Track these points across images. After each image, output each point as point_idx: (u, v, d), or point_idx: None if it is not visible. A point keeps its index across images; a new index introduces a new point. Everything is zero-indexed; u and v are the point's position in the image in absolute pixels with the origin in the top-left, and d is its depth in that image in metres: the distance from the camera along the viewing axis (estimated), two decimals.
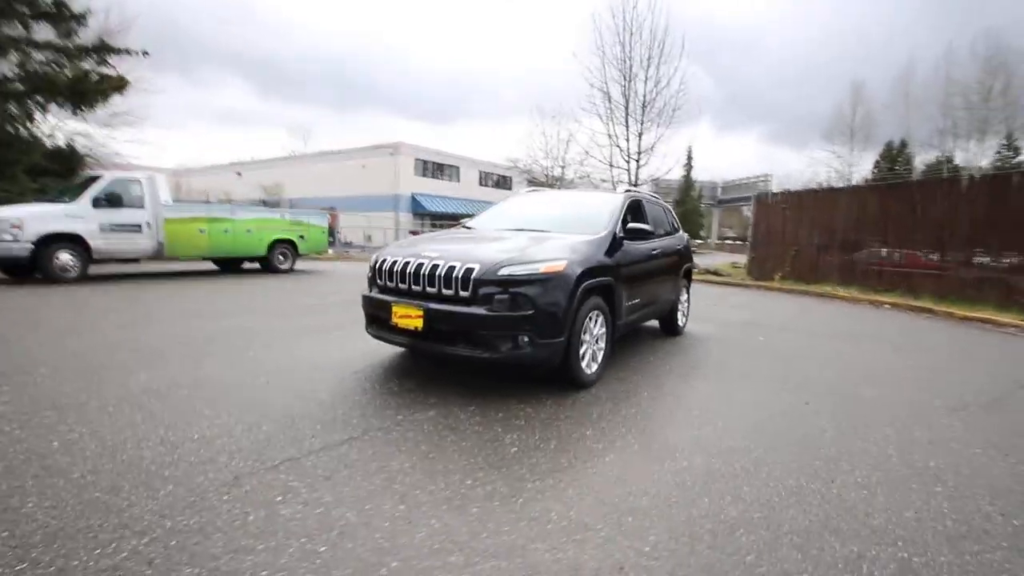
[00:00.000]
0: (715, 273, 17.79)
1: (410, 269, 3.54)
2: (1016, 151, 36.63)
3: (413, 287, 3.53)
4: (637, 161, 20.37)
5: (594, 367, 3.82)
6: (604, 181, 22.44)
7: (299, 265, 13.02)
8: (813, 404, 3.69)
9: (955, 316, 9.12)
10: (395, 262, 3.67)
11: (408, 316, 3.45)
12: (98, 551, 1.71)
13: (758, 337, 6.29)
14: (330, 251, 16.60)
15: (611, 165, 21.04)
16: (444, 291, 3.39)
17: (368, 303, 3.88)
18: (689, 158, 21.72)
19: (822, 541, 1.96)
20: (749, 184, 59.63)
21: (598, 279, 3.77)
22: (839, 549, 1.91)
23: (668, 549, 1.87)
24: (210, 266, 12.32)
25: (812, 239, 14.28)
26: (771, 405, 3.63)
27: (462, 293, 3.33)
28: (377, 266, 3.80)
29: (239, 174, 36.16)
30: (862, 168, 45.63)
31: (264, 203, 27.20)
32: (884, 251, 12.81)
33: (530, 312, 3.26)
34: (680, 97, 19.17)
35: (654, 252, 4.96)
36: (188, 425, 2.79)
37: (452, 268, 3.37)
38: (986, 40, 34.95)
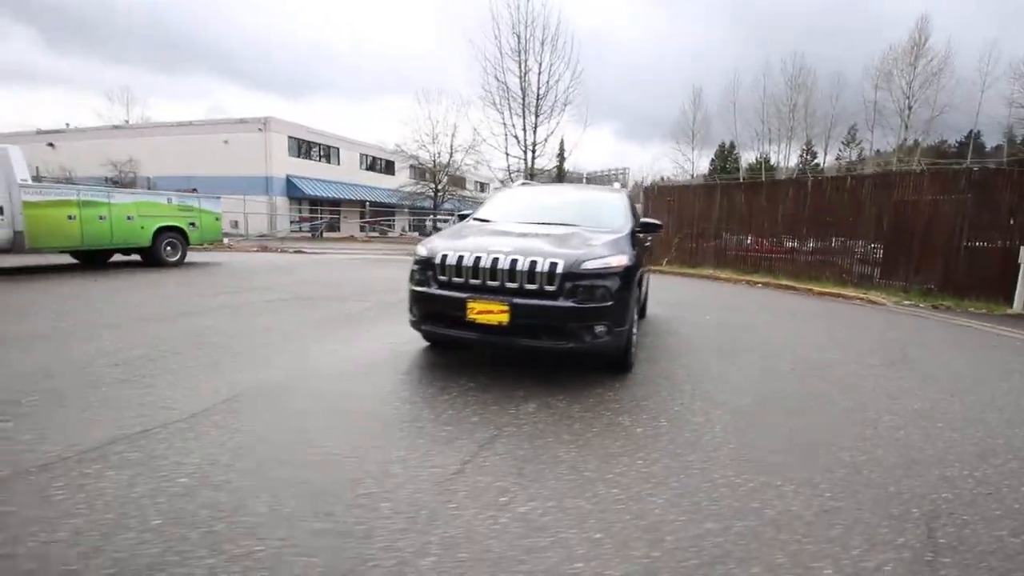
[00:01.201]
0: None
1: (485, 264, 3.53)
2: (814, 155, 45.27)
3: (490, 283, 3.53)
4: (533, 151, 21.20)
5: (632, 351, 4.20)
6: (501, 170, 22.98)
7: (190, 257, 11.31)
8: (798, 369, 4.52)
9: (813, 292, 11.32)
10: (462, 257, 3.61)
11: (489, 312, 3.46)
12: None
13: (704, 316, 7.24)
14: (226, 240, 14.61)
15: (507, 154, 21.59)
16: (527, 286, 3.46)
17: (428, 300, 3.74)
18: (562, 150, 22.90)
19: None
20: (610, 176, 65.43)
21: (638, 271, 4.13)
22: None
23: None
24: (65, 259, 10.15)
25: (693, 228, 16.38)
26: (776, 371, 4.37)
27: (547, 287, 3.44)
28: (439, 262, 3.69)
29: (52, 145, 29.40)
30: (701, 165, 52.59)
31: (116, 183, 22.63)
32: (748, 238, 15.26)
33: (609, 303, 3.50)
34: (571, 93, 20.35)
35: (647, 244, 5.47)
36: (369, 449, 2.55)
37: (534, 263, 3.45)
38: (792, 61, 42.62)
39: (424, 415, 3.00)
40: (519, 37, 19.91)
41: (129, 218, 9.49)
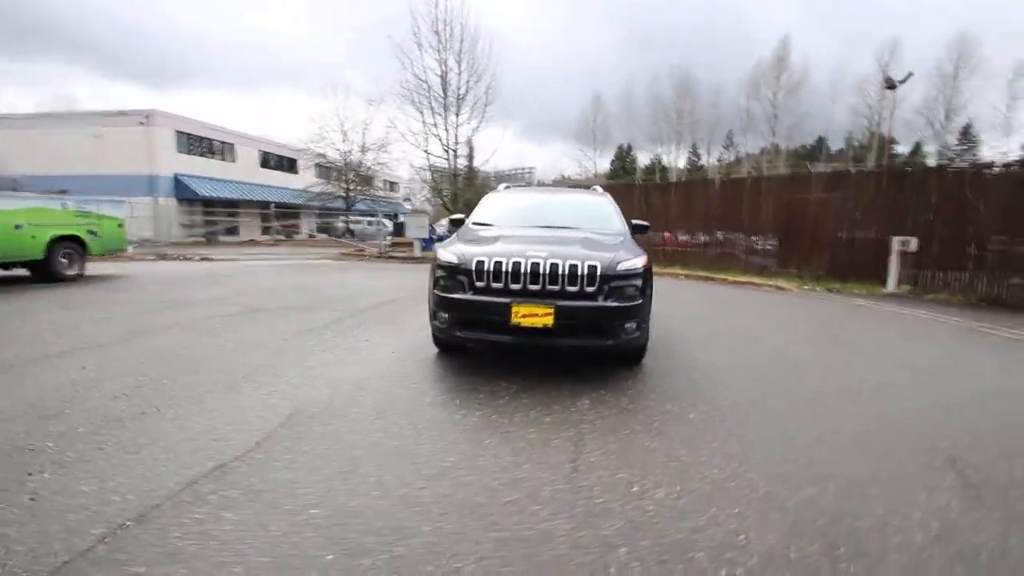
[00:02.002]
0: None
1: (526, 269, 3.62)
2: (699, 156, 49.88)
3: (531, 286, 3.63)
4: (455, 151, 21.14)
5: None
6: (423, 169, 22.66)
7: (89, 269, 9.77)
8: (772, 354, 5.16)
9: (728, 281, 12.65)
10: (500, 263, 3.67)
11: (534, 315, 3.56)
12: None
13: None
14: (130, 249, 12.81)
15: (428, 152, 21.30)
16: (568, 288, 3.62)
17: (465, 306, 3.74)
18: (471, 148, 22.77)
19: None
20: (517, 175, 67.07)
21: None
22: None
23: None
24: None
25: None
26: (753, 355, 4.95)
27: (588, 288, 3.62)
28: (475, 268, 3.71)
29: None
30: (602, 164, 55.67)
31: None
32: (666, 234, 16.60)
33: (639, 302, 3.78)
34: (490, 94, 20.58)
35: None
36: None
37: (574, 266, 3.62)
38: (679, 71, 46.66)
39: (497, 420, 3.05)
40: (439, 35, 19.75)
41: (18, 227, 8.04)
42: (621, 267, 3.72)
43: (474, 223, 5.01)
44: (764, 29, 59.00)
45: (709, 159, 49.83)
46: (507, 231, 4.54)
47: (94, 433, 2.69)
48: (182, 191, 25.29)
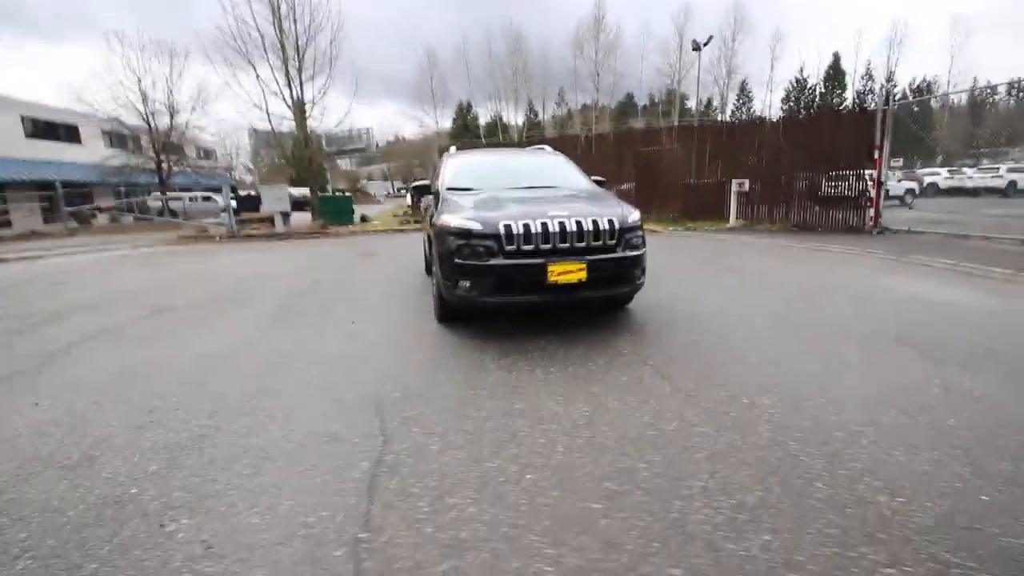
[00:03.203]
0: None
1: (554, 229, 3.77)
2: (536, 114, 52.12)
3: (561, 245, 3.80)
4: (303, 112, 19.05)
5: None
6: (265, 132, 20.00)
7: None
8: (683, 278, 6.11)
9: None
10: (528, 225, 3.75)
11: (569, 272, 3.77)
12: None
13: None
14: None
15: (268, 112, 18.87)
16: (593, 243, 3.87)
17: (500, 271, 3.76)
18: (302, 106, 19.93)
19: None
20: (354, 136, 62.53)
21: None
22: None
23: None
24: None
25: None
26: (682, 282, 5.83)
27: (609, 242, 3.92)
28: (504, 233, 3.73)
29: None
30: (443, 123, 54.97)
31: None
32: None
33: (645, 249, 4.21)
34: (335, 46, 18.80)
35: None
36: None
37: (597, 222, 3.87)
38: (511, 29, 47.55)
39: (556, 373, 3.26)
40: None
41: None
42: (630, 220, 4.09)
43: (451, 188, 4.89)
44: None
45: (545, 115, 52.46)
46: (499, 193, 4.57)
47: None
48: None
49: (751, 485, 1.98)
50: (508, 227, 3.77)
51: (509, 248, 3.79)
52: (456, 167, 5.35)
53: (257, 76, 18.19)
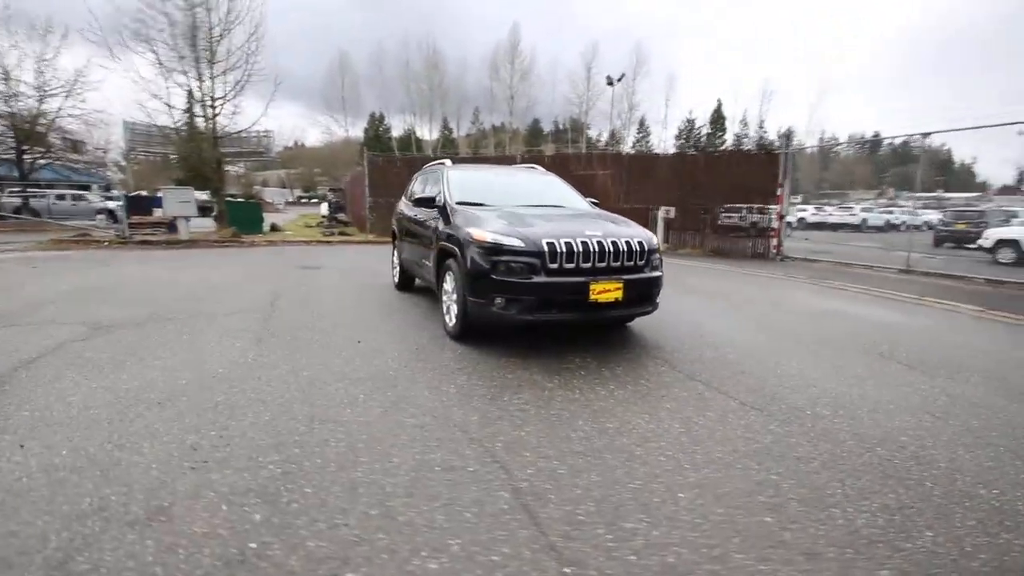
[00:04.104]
0: (335, 234, 18.34)
1: (594, 248, 3.84)
2: (450, 130, 52.23)
3: (599, 264, 3.88)
4: (213, 108, 17.36)
5: None
6: (165, 128, 17.86)
7: None
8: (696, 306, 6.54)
9: None
10: (570, 244, 3.79)
11: (607, 291, 3.85)
12: None
13: None
14: None
15: (170, 106, 16.98)
16: (626, 263, 4.00)
17: (543, 289, 3.74)
18: (190, 104, 17.28)
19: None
20: (251, 139, 57.99)
21: None
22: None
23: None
24: None
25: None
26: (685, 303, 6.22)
27: (639, 263, 4.08)
28: (547, 250, 3.73)
29: None
30: (356, 131, 53.12)
31: None
32: None
33: (662, 271, 4.43)
34: (257, 41, 17.46)
35: None
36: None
37: (629, 243, 4.01)
38: (428, 43, 47.41)
39: (617, 390, 3.32)
40: None
41: None
42: (654, 242, 4.29)
43: (461, 202, 4.76)
44: (500, 13, 64.95)
45: (459, 133, 52.78)
46: (516, 210, 4.56)
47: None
48: None
49: (879, 489, 2.17)
50: (551, 245, 3.77)
51: (552, 266, 3.79)
52: (459, 181, 5.21)
53: (161, 65, 16.32)
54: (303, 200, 58.81)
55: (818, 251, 13.17)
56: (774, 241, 13.19)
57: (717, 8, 78.34)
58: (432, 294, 6.22)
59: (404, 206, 6.65)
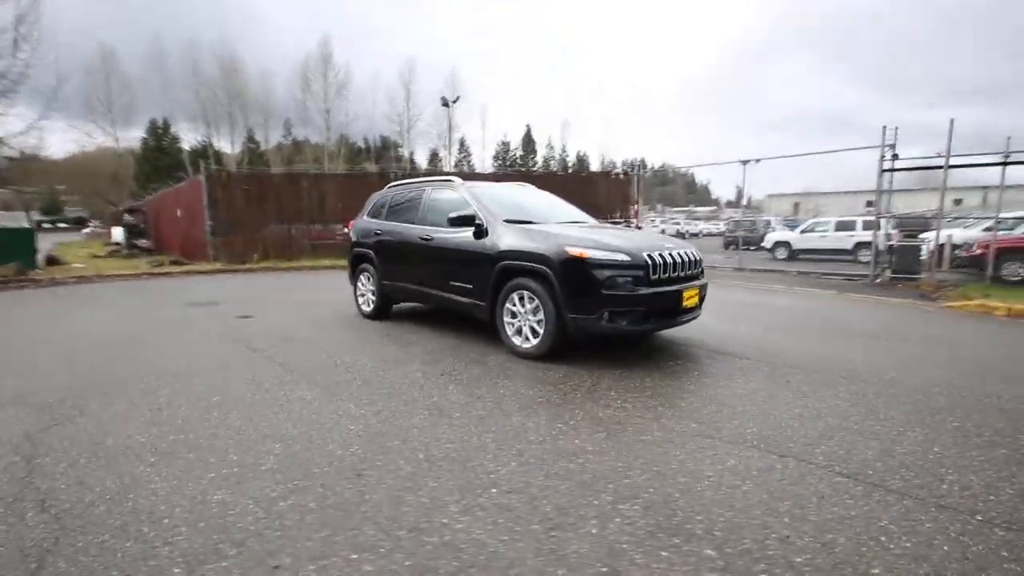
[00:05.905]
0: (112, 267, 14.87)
1: (679, 260, 4.21)
2: (257, 144, 46.69)
3: (681, 274, 4.24)
4: None
5: None
6: None
7: None
8: None
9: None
10: (664, 256, 4.09)
11: (692, 296, 4.26)
12: None
13: None
14: None
15: None
16: (693, 271, 4.45)
17: (654, 299, 3.96)
18: None
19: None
20: None
21: None
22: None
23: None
24: None
25: (281, 219, 15.35)
26: None
27: (696, 271, 4.56)
28: (650, 263, 3.95)
29: None
30: (130, 140, 43.87)
31: None
32: (317, 226, 15.83)
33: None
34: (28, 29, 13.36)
35: None
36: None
37: (692, 254, 4.47)
38: (223, 47, 41.67)
39: (692, 391, 3.76)
40: None
41: None
42: (699, 253, 4.83)
43: (509, 220, 4.64)
44: (307, 24, 60.44)
45: (269, 145, 47.61)
46: (564, 227, 4.72)
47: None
48: None
49: (986, 465, 2.77)
50: (652, 257, 4.01)
51: (654, 277, 4.03)
52: (491, 199, 4.99)
53: None
54: (45, 226, 45.30)
55: None
56: None
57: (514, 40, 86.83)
58: (440, 317, 5.82)
59: (378, 225, 6.03)
